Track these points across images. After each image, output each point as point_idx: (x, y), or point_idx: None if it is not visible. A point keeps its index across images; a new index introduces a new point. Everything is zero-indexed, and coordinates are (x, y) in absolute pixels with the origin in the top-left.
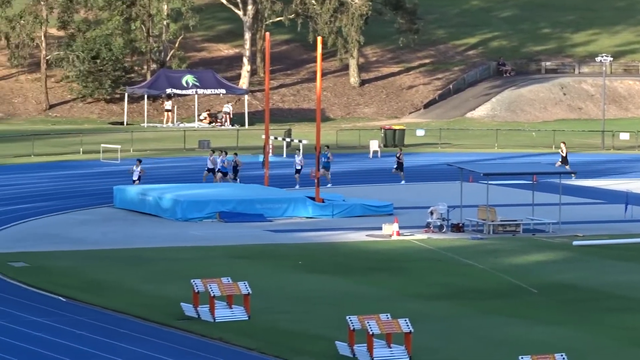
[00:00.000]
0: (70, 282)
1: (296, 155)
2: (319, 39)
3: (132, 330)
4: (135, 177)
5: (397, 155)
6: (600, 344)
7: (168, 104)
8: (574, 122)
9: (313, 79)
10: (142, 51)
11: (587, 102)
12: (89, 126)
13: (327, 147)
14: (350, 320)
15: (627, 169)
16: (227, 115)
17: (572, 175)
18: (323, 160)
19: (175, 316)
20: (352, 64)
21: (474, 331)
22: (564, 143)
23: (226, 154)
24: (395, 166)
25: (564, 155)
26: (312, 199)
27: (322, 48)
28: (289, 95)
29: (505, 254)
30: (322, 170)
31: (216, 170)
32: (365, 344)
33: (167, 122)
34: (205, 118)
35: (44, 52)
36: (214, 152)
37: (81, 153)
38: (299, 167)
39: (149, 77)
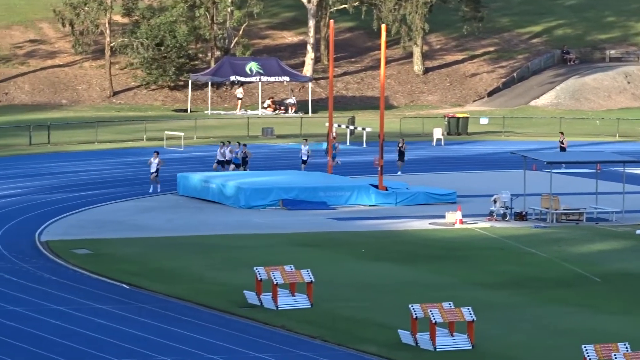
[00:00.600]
0: (133, 270)
1: (302, 145)
2: (383, 26)
3: (195, 317)
4: (153, 170)
5: (399, 145)
6: None
7: (239, 92)
8: (638, 110)
9: (377, 67)
10: (206, 38)
11: None
12: (153, 113)
13: (334, 137)
14: (413, 309)
15: None
16: (293, 107)
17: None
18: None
19: (238, 304)
20: (416, 51)
21: (537, 320)
22: (562, 133)
23: (239, 144)
24: (397, 157)
25: (564, 145)
26: (376, 186)
27: (386, 36)
28: (352, 82)
29: (569, 242)
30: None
31: (229, 161)
32: (428, 333)
33: (239, 109)
34: (269, 106)
35: (108, 39)
36: (224, 144)
37: (145, 140)
38: (305, 158)
39: (212, 65)
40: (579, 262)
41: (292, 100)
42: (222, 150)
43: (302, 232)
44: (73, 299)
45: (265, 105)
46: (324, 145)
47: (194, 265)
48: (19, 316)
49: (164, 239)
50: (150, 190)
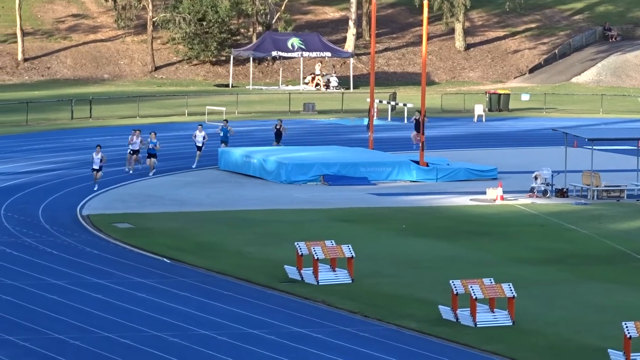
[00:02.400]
0: (174, 244)
1: (198, 131)
2: (425, 2)
3: (235, 292)
4: (199, 143)
5: (277, 126)
6: None
7: (317, 68)
8: None
9: (418, 43)
10: (248, 13)
11: None
12: (194, 88)
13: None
14: (454, 285)
15: None
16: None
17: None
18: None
19: (278, 279)
20: (458, 27)
21: (577, 296)
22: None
23: (226, 122)
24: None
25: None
26: (417, 162)
27: (428, 12)
28: (394, 58)
29: (609, 219)
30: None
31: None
32: (469, 309)
33: (316, 85)
34: (310, 81)
35: (150, 13)
36: (135, 132)
37: (186, 115)
38: (199, 144)
39: (254, 40)
40: (619, 239)
41: (334, 82)
42: (132, 139)
43: (343, 207)
44: (114, 272)
45: (307, 80)
46: (366, 121)
47: (235, 240)
48: (61, 289)
49: (204, 214)
50: (194, 166)
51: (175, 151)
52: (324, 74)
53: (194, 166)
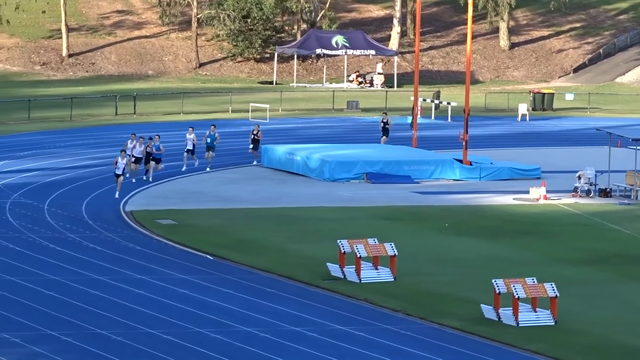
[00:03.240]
0: (217, 240)
1: (188, 134)
2: (470, 1)
3: (278, 289)
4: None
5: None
6: None
7: (379, 67)
8: None
9: (463, 42)
10: (292, 11)
11: None
12: (238, 85)
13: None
14: (496, 284)
15: None
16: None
17: None
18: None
19: (321, 276)
20: (502, 26)
21: (619, 296)
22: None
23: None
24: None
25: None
26: (460, 161)
27: (473, 10)
28: (438, 57)
29: None
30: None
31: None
32: (511, 308)
33: (382, 84)
34: (354, 79)
35: (195, 10)
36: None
37: (230, 112)
38: (190, 147)
39: (299, 37)
40: None
41: (377, 81)
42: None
43: (386, 205)
44: (157, 268)
45: (351, 78)
46: (409, 119)
47: (278, 237)
48: (104, 285)
49: (247, 211)
50: (183, 169)
51: (219, 148)
52: (380, 72)
53: (183, 169)
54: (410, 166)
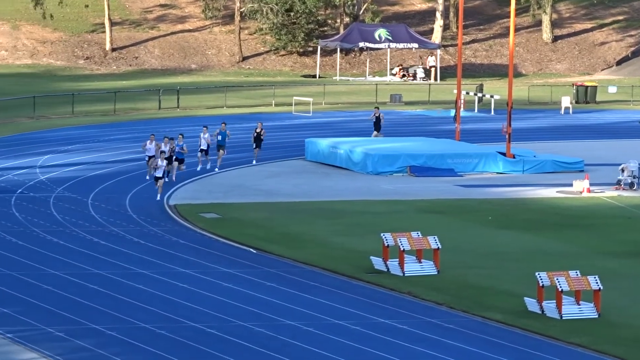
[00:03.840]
0: (261, 234)
1: (202, 134)
2: None
3: (321, 282)
4: (150, 154)
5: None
6: None
7: (431, 60)
8: None
9: (505, 35)
10: (335, 4)
11: None
12: (282, 79)
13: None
14: (540, 277)
15: None
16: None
17: None
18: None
19: (364, 269)
20: (545, 19)
21: None
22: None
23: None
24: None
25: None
26: (503, 154)
27: (516, 3)
28: (481, 50)
29: None
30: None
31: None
32: (554, 301)
33: (433, 78)
34: (397, 72)
35: (238, 4)
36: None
37: (273, 105)
38: (204, 147)
39: (342, 31)
40: None
41: (420, 73)
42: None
43: (429, 198)
44: (200, 262)
45: (394, 71)
46: (452, 113)
47: (321, 231)
48: (147, 279)
49: (291, 204)
50: (198, 168)
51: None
52: (432, 64)
53: (198, 169)
54: (454, 159)
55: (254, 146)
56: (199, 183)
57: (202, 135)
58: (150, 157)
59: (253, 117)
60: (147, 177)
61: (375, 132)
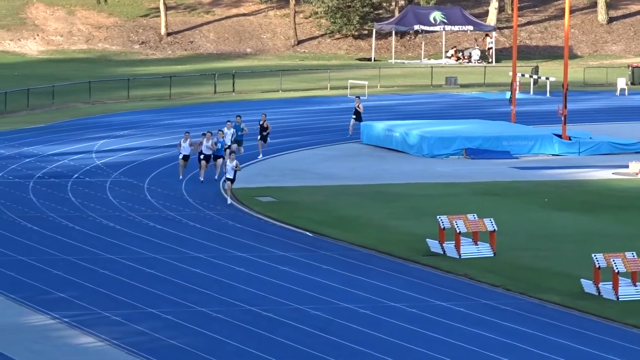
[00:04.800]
0: (317, 217)
1: (226, 128)
2: None
3: (378, 265)
4: (186, 153)
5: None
6: None
7: (489, 41)
8: None
9: (561, 16)
10: None
11: None
12: (337, 62)
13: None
14: (596, 258)
15: None
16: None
17: None
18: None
19: (421, 252)
20: (600, 1)
21: None
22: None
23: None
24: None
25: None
26: (559, 136)
27: None
28: (536, 32)
29: None
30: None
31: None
32: (611, 282)
33: (457, 59)
34: (452, 55)
35: None
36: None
37: (328, 89)
38: (229, 142)
39: (397, 14)
40: None
41: (475, 55)
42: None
43: (485, 181)
44: (257, 246)
45: (449, 54)
46: (508, 95)
47: (377, 214)
48: (204, 263)
49: (347, 187)
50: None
51: (318, 125)
52: (490, 46)
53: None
54: (509, 141)
55: (259, 137)
56: (255, 167)
57: (225, 130)
58: (184, 156)
59: (308, 101)
60: (180, 177)
61: (353, 121)
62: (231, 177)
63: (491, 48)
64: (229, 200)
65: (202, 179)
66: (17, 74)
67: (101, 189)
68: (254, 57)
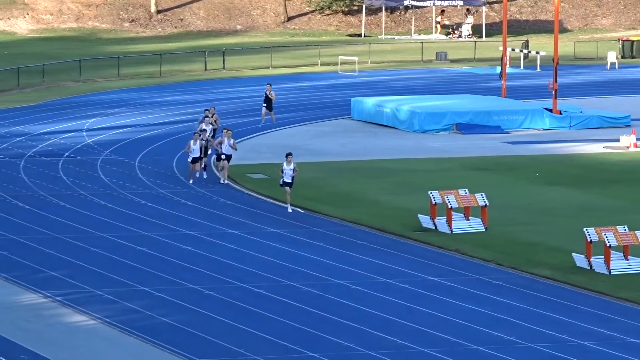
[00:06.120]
0: (308, 194)
1: (223, 136)
2: None
3: (369, 241)
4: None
5: (266, 92)
6: None
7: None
8: None
9: None
10: None
11: None
12: (327, 38)
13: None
14: (588, 232)
15: None
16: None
17: None
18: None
19: (412, 228)
20: None
21: None
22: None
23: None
24: (264, 104)
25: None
26: (550, 110)
27: None
28: (526, 6)
29: None
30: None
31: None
32: (603, 256)
33: (447, 34)
34: (440, 21)
35: None
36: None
37: (319, 65)
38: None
39: None
40: None
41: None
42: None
43: (476, 156)
44: (248, 223)
45: (438, 20)
46: (498, 70)
47: (369, 190)
48: (195, 240)
49: (338, 163)
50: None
51: (309, 101)
52: (456, 23)
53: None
54: (500, 116)
55: (264, 105)
56: (246, 143)
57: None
58: (194, 159)
59: (299, 78)
60: (191, 182)
61: (265, 109)
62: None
63: (471, 23)
64: (222, 180)
65: (224, 182)
66: (7, 52)
67: (92, 167)
68: (244, 34)
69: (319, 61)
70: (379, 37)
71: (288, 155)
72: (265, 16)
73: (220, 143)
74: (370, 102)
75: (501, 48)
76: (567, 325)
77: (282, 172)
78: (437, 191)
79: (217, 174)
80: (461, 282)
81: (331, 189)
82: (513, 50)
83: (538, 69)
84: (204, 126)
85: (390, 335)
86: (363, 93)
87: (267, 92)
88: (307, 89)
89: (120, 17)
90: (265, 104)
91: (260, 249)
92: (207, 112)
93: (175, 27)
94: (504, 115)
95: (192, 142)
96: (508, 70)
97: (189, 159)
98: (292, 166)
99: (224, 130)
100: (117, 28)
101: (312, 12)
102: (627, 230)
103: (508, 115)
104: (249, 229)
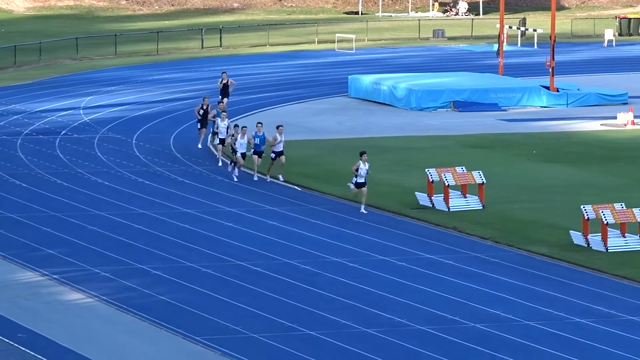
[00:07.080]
0: (306, 171)
1: (220, 120)
2: None
3: (366, 219)
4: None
5: (223, 81)
6: None
7: None
8: None
9: None
10: None
11: None
12: (324, 16)
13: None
14: (585, 210)
15: None
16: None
17: None
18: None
19: (409, 205)
20: None
21: None
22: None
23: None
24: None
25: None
26: (547, 88)
27: None
28: None
29: None
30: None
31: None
32: (600, 234)
33: (444, 12)
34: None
35: None
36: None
37: (316, 43)
38: (222, 136)
39: None
40: None
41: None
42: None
43: (473, 133)
44: (245, 200)
45: None
46: (495, 47)
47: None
48: (192, 218)
49: (335, 141)
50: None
51: (306, 79)
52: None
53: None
54: (497, 94)
55: (221, 98)
56: (244, 121)
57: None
58: (242, 154)
59: (296, 55)
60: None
61: (225, 100)
62: (223, 137)
63: (468, 0)
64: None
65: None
66: (4, 30)
67: (89, 146)
68: (241, 11)
69: (316, 39)
70: (376, 14)
71: (363, 154)
72: None
73: (234, 138)
74: (367, 79)
75: (498, 25)
76: (564, 302)
77: (357, 171)
78: (434, 169)
79: (215, 153)
80: (458, 260)
81: (328, 166)
82: (510, 27)
83: (535, 46)
84: (219, 122)
85: (386, 313)
86: (360, 71)
87: (224, 81)
88: (304, 67)
89: None
90: (220, 95)
91: (258, 226)
92: (220, 105)
93: (172, 5)
94: (501, 92)
95: (239, 136)
96: (505, 47)
97: (238, 154)
98: (367, 166)
99: (241, 127)
100: (114, 6)
101: None
102: (624, 208)
103: (505, 92)
104: (246, 206)
